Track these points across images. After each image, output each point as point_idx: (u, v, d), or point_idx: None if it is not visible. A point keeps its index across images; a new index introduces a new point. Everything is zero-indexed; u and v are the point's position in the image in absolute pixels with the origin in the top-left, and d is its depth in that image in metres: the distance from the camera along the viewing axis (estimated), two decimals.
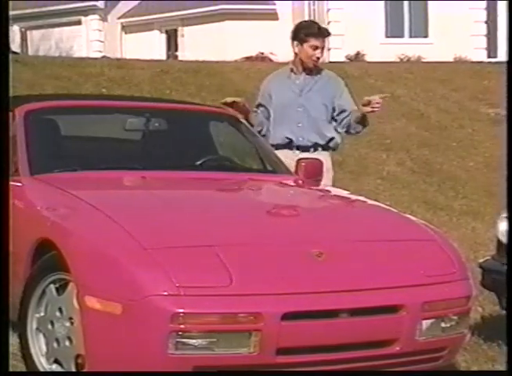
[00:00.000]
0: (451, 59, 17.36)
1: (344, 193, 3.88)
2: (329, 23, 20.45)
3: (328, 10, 20.36)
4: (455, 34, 18.44)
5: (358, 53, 17.79)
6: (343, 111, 4.44)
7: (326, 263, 2.79)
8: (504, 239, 3.80)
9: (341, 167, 8.58)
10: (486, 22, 19.71)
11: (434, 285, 2.89)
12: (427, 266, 2.93)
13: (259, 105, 4.53)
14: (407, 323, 2.79)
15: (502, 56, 19.51)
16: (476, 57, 18.23)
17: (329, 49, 20.31)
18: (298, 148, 4.40)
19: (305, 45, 4.38)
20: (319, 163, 4.07)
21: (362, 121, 4.41)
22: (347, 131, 4.51)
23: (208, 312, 2.58)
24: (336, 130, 4.49)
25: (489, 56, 19.32)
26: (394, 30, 18.77)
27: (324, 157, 4.36)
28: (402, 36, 18.74)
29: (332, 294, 2.72)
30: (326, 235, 2.99)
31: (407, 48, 17.64)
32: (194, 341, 2.56)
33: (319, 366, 2.71)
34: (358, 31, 17.66)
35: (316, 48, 4.38)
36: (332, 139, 4.47)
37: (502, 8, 20.03)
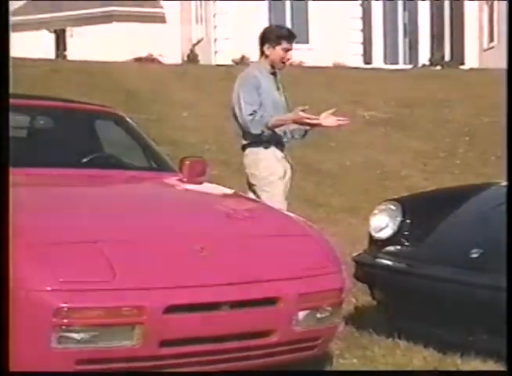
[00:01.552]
0: (330, 65, 17.95)
1: (227, 191, 4.00)
2: (215, 27, 20.64)
3: (214, 15, 20.51)
4: (333, 41, 19.08)
5: (243, 57, 18.04)
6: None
7: (208, 257, 2.89)
8: (375, 234, 4.03)
9: (227, 165, 8.72)
10: (362, 30, 20.52)
11: (310, 278, 3.03)
12: (303, 260, 3.08)
13: (254, 111, 4.40)
14: (284, 315, 2.92)
15: (376, 62, 20.43)
16: (353, 63, 18.95)
17: (216, 52, 20.51)
18: (278, 146, 4.54)
19: (278, 48, 4.47)
20: (203, 161, 4.18)
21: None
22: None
23: (91, 307, 2.62)
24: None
25: (365, 62, 20.14)
26: None
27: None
28: None
29: (213, 288, 2.82)
30: (208, 230, 3.09)
31: None
32: (77, 335, 2.60)
33: (201, 356, 2.81)
34: (242, 36, 17.89)
35: (288, 50, 4.50)
36: None
37: (376, 17, 20.94)
